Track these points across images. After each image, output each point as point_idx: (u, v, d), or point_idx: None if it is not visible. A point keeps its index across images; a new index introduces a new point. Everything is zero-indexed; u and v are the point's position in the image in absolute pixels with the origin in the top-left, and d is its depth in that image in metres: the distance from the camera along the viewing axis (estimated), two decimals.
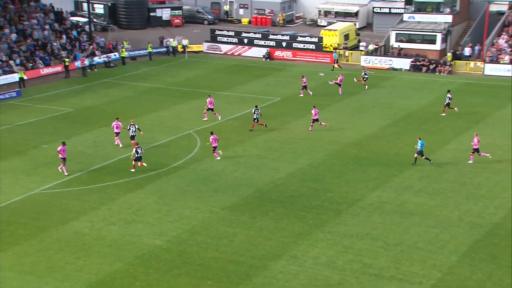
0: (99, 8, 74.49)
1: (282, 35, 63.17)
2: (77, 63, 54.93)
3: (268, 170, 32.94)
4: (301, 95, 47.03)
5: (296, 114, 42.65)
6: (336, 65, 56.02)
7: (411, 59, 56.35)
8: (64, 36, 59.02)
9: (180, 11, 76.27)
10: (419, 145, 32.77)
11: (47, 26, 59.15)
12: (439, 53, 57.94)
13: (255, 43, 63.19)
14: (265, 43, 62.75)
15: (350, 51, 60.15)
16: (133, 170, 32.18)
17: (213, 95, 48.10)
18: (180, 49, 62.92)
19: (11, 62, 51.90)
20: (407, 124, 40.38)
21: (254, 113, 38.55)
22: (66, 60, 53.29)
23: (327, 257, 24.08)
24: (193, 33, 70.08)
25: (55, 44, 57.06)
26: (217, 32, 65.02)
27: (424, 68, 55.45)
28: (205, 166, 33.34)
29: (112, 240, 25.09)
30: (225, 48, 63.84)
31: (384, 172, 32.25)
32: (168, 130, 39.14)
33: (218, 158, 34.04)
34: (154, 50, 61.43)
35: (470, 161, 33.43)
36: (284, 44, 61.99)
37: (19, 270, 22.60)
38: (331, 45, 60.20)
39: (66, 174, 31.31)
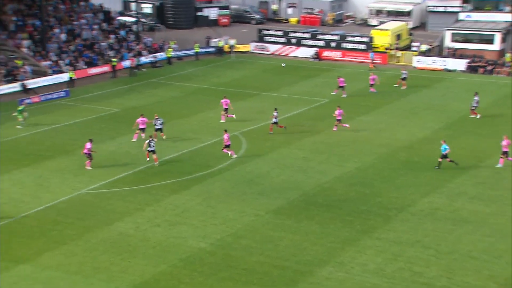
0: (147, 8, 75.87)
1: (332, 35, 62.88)
2: (125, 63, 56.08)
3: (314, 173, 32.84)
4: (344, 95, 46.81)
5: (345, 116, 42.32)
6: (372, 66, 55.66)
7: (467, 60, 55.16)
8: (112, 36, 60.34)
9: (228, 10, 76.86)
10: (443, 149, 32.38)
11: (95, 26, 60.60)
12: (498, 54, 56.51)
13: (303, 43, 63.09)
14: (313, 43, 62.58)
15: (402, 52, 59.37)
16: (156, 163, 33.30)
17: (260, 96, 48.39)
18: (227, 49, 63.41)
19: (60, 62, 53.41)
20: (461, 128, 39.56)
21: (274, 115, 38.57)
22: (114, 60, 54.47)
23: (375, 264, 23.84)
24: (240, 33, 70.50)
25: (103, 44, 58.41)
26: (265, 32, 65.24)
27: (481, 70, 54.18)
28: (250, 168, 33.50)
29: (156, 241, 25.52)
30: (272, 48, 63.96)
31: (437, 177, 31.68)
32: (214, 131, 39.51)
33: (235, 156, 34.51)
34: (201, 50, 62.11)
35: (499, 165, 32.55)
36: (333, 44, 61.68)
37: (65, 269, 23.24)
38: (381, 46, 59.62)
39: (88, 168, 32.62)
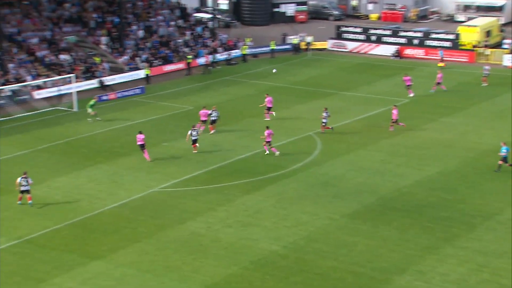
0: (223, 4, 76.87)
1: (414, 31, 61.52)
2: (200, 60, 57.02)
3: (392, 176, 32.19)
4: (411, 95, 45.89)
5: (426, 118, 41.31)
6: (441, 64, 53.88)
7: None
8: (187, 33, 61.52)
9: (305, 6, 76.68)
10: (504, 150, 31.24)
11: (172, 23, 61.99)
12: None
13: (383, 40, 62.05)
14: (394, 40, 61.41)
15: (492, 50, 57.23)
16: (194, 151, 34.86)
17: (337, 95, 47.92)
18: (303, 46, 63.27)
19: (137, 59, 54.98)
20: None
21: (324, 116, 38.19)
22: (189, 57, 55.49)
23: (458, 274, 23.08)
24: (317, 29, 70.19)
25: (178, 40, 59.65)
26: (343, 29, 64.66)
27: None
28: (325, 170, 33.25)
29: (228, 242, 25.76)
30: (351, 45, 63.28)
31: None
32: (287, 131, 39.49)
33: (277, 153, 34.54)
34: (277, 48, 62.25)
35: None
36: (416, 41, 60.31)
37: (138, 267, 23.86)
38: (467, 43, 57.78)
39: (149, 160, 34.03)
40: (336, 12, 77.46)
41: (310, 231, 26.66)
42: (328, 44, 64.26)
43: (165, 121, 41.92)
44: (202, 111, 38.91)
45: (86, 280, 22.92)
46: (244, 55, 59.86)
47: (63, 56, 51.49)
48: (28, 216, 27.93)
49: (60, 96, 45.83)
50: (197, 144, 35.29)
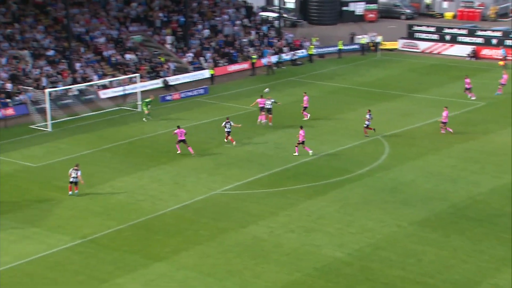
0: (290, 3, 76.95)
1: (493, 31, 59.72)
2: (264, 60, 57.30)
3: (465, 183, 31.37)
4: (472, 98, 44.88)
5: (503, 122, 40.07)
6: (502, 62, 52.04)
7: None
8: (253, 32, 61.91)
9: (376, 5, 75.80)
10: None
11: (237, 22, 62.55)
12: None
13: (458, 40, 60.56)
14: (471, 40, 59.83)
15: None
16: (233, 143, 36.71)
17: (406, 97, 47.15)
18: (372, 46, 62.56)
19: (201, 58, 55.77)
20: None
21: (367, 118, 37.82)
22: (253, 57, 55.82)
23: None
24: (387, 29, 69.24)
25: (243, 40, 60.11)
26: (415, 28, 63.59)
27: None
28: (393, 175, 32.74)
29: (290, 248, 25.75)
30: (423, 45, 62.13)
31: None
32: (354, 134, 39.13)
33: (311, 152, 34.64)
34: (345, 48, 61.77)
35: None
36: (494, 41, 58.53)
37: (200, 270, 24.18)
38: None
39: (193, 154, 35.55)
40: (408, 11, 76.17)
41: (377, 238, 26.32)
42: (399, 44, 63.27)
43: None
44: (260, 99, 40.77)
45: (148, 282, 23.42)
46: (310, 55, 59.70)
47: (129, 56, 52.82)
48: (92, 215, 28.80)
49: (125, 96, 47.00)
50: (230, 137, 36.98)
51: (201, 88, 49.85)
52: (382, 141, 37.83)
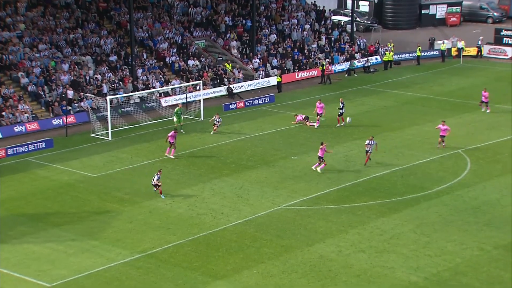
0: (363, 6, 76.46)
1: None
2: (335, 68, 57.13)
3: None
4: (483, 109, 44.47)
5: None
6: None
7: None
8: (323, 37, 61.82)
9: (459, 7, 74.34)
10: None
11: (307, 26, 62.63)
12: None
13: None
14: None
15: None
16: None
17: (492, 108, 45.91)
18: (454, 52, 61.41)
19: (268, 65, 56.12)
20: None
21: (368, 144, 35.94)
22: (323, 63, 55.70)
23: None
24: (472, 33, 67.81)
25: (313, 45, 60.12)
26: (504, 33, 62.00)
27: None
28: (475, 193, 31.98)
29: (360, 269, 25.51)
30: (510, 52, 60.45)
31: None
32: (431, 147, 38.45)
33: (319, 169, 34.44)
34: (423, 54, 60.88)
35: None
36: None
37: None
38: None
39: (172, 157, 37.15)
40: (496, 14, 74.33)
41: (457, 262, 25.76)
42: (484, 50, 61.80)
43: (294, 133, 42.38)
44: (318, 104, 41.96)
45: None
46: (385, 62, 59.08)
47: (192, 62, 53.74)
48: (151, 229, 29.39)
49: (188, 104, 47.79)
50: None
51: (267, 96, 50.13)
52: (463, 156, 37.01)
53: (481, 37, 62.31)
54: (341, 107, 42.85)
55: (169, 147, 37.89)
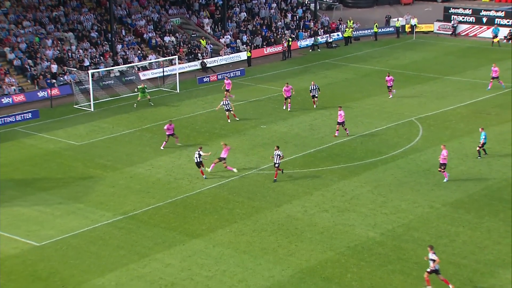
0: None
1: None
2: (300, 43, 56.82)
3: (500, 166, 30.76)
4: (488, 88, 42.95)
5: None
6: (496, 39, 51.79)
7: None
8: (289, 15, 61.36)
9: None
10: (483, 136, 30.74)
11: (273, 5, 62.05)
12: None
13: (496, 22, 58.97)
14: (508, 22, 58.23)
15: None
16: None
17: (441, 80, 46.33)
18: (407, 29, 61.47)
19: (238, 41, 55.59)
20: None
21: (276, 155, 29.84)
22: (289, 39, 55.34)
23: None
24: (423, 11, 67.85)
25: (279, 23, 59.66)
26: (452, 10, 62.13)
27: None
28: (426, 157, 32.29)
29: (324, 227, 25.68)
30: (459, 28, 60.75)
31: None
32: (388, 116, 38.65)
33: (235, 170, 30.89)
34: (380, 30, 60.84)
35: None
36: None
37: (235, 248, 24.31)
38: None
39: (179, 144, 34.00)
40: None
41: (410, 219, 26.06)
42: (435, 27, 62.02)
43: (263, 104, 42.21)
44: (285, 87, 39.79)
45: (185, 258, 23.65)
46: (346, 38, 58.95)
47: (168, 38, 52.95)
48: (132, 193, 29.15)
49: (164, 77, 47.22)
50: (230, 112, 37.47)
51: (238, 70, 49.74)
52: (416, 123, 37.27)
53: (408, 16, 62.04)
54: (312, 89, 40.11)
55: (168, 138, 34.13)
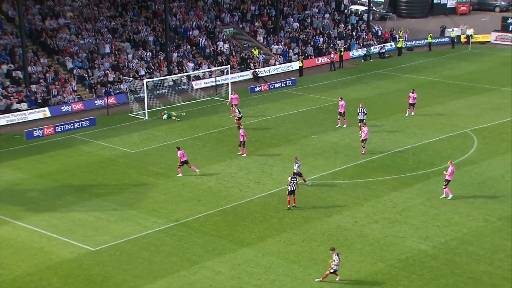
0: None
1: None
2: (352, 53, 56.46)
3: None
4: None
5: None
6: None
7: None
8: (341, 25, 61.13)
9: None
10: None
11: (327, 15, 61.98)
12: None
13: None
14: None
15: None
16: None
17: (497, 91, 45.26)
18: (463, 39, 60.34)
19: (290, 51, 55.68)
20: None
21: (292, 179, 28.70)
22: (341, 49, 55.09)
23: None
24: (480, 21, 66.48)
25: (331, 32, 59.49)
26: (510, 21, 60.71)
27: None
28: (481, 169, 31.55)
29: (374, 239, 25.39)
30: None
31: None
32: (441, 127, 37.97)
33: (198, 171, 31.01)
34: (434, 41, 59.91)
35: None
36: None
37: (284, 257, 24.29)
38: None
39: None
40: (503, 3, 72.75)
41: (463, 232, 25.51)
42: (491, 37, 60.63)
43: (314, 114, 42.11)
44: (341, 102, 38.19)
45: (235, 266, 23.78)
46: (399, 48, 58.30)
47: (222, 43, 53.53)
48: (183, 201, 29.52)
49: (216, 87, 47.69)
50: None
51: (289, 80, 49.80)
52: (471, 135, 36.49)
53: (464, 26, 60.55)
54: (360, 111, 37.23)
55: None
